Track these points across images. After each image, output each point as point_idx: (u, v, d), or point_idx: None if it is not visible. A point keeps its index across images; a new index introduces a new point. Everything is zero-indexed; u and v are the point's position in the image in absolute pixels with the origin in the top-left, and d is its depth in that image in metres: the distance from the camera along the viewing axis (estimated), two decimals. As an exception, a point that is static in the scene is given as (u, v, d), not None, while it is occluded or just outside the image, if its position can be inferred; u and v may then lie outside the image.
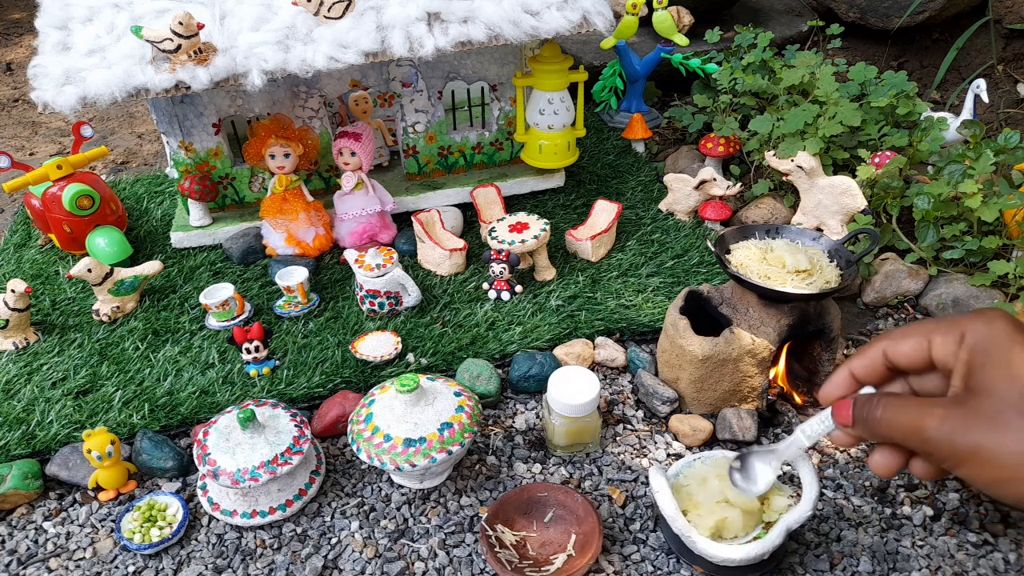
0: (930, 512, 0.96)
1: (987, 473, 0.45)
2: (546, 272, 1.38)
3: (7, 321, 1.24)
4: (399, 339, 1.22)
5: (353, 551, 0.94)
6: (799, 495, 0.92)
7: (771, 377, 1.09)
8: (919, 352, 0.52)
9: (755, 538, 0.85)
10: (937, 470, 0.52)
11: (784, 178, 1.46)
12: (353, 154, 1.40)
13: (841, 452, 1.05)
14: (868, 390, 0.60)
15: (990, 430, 0.44)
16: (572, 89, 1.50)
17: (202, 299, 1.29)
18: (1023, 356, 0.45)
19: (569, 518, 0.94)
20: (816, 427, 0.64)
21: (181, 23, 1.16)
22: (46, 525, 0.99)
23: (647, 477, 1.01)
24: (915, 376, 0.56)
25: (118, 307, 1.32)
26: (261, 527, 0.97)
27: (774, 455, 0.79)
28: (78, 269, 1.27)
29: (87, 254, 1.45)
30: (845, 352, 1.21)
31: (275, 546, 0.95)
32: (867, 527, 0.94)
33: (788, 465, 0.92)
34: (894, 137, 1.45)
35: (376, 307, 1.29)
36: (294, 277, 1.33)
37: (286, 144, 1.37)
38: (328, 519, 0.98)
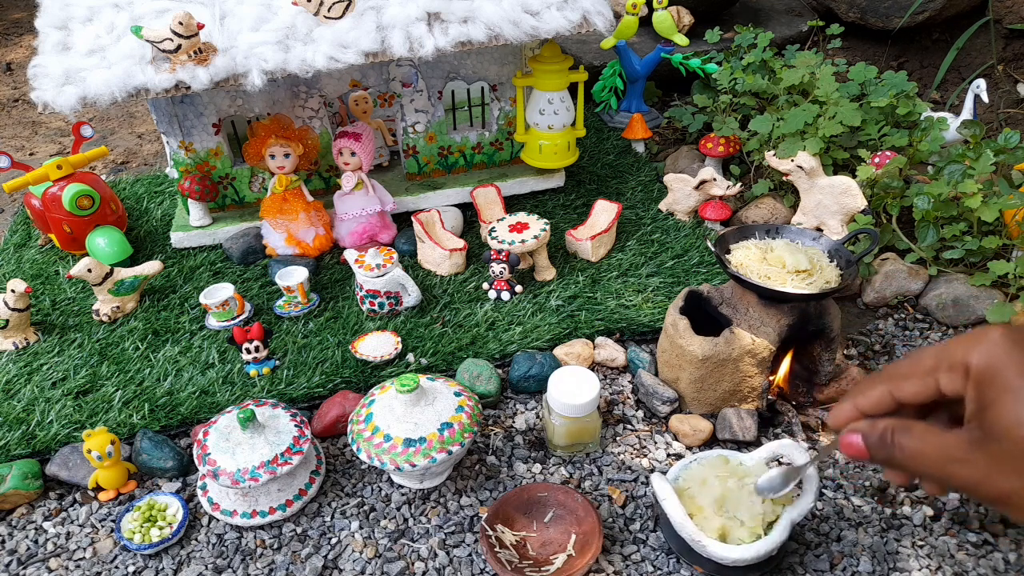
0: (930, 512, 0.96)
1: (1021, 514, 0.45)
2: (546, 272, 1.38)
3: (7, 321, 1.24)
4: (399, 339, 1.22)
5: (353, 551, 0.94)
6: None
7: (772, 380, 1.09)
8: (927, 391, 0.51)
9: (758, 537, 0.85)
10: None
11: (784, 178, 1.46)
12: (353, 154, 1.40)
13: (841, 452, 1.05)
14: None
15: (1017, 477, 0.44)
16: (572, 89, 1.50)
17: (202, 299, 1.29)
18: None
19: (569, 518, 0.94)
20: (825, 456, 0.64)
21: (181, 23, 1.16)
22: (46, 525, 0.99)
23: (647, 477, 1.02)
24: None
25: (118, 307, 1.32)
26: (261, 527, 0.97)
27: (795, 472, 0.83)
28: (78, 269, 1.27)
29: (87, 254, 1.44)
30: (845, 352, 1.21)
31: (275, 546, 0.95)
32: (867, 527, 0.94)
33: (786, 459, 0.93)
34: (894, 137, 1.45)
35: (376, 307, 1.29)
36: (294, 277, 1.33)
37: (286, 144, 1.37)
38: (328, 519, 0.98)
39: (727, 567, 0.85)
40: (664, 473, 0.92)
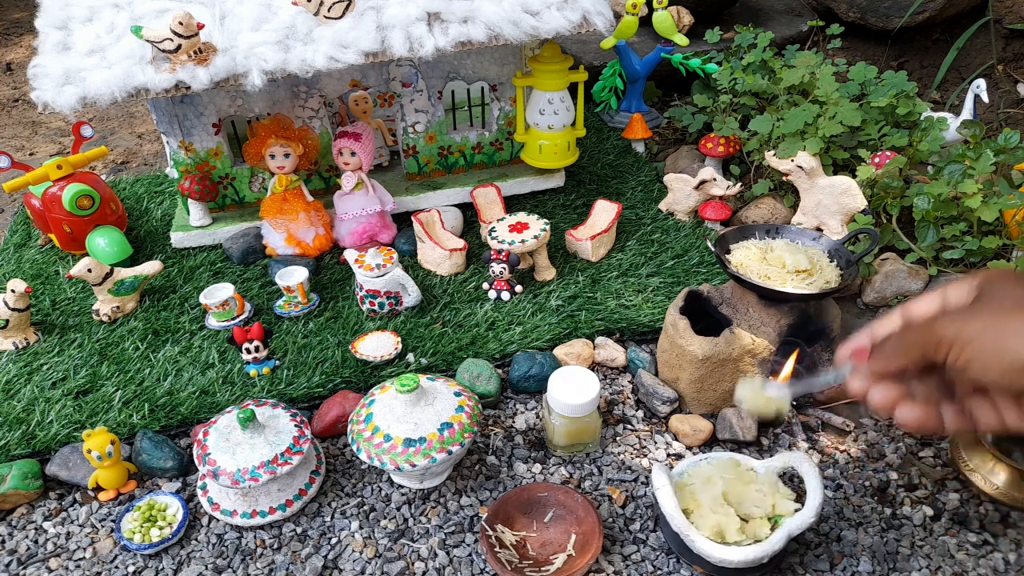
0: (930, 512, 0.96)
1: (966, 355, 0.50)
2: (546, 272, 1.38)
3: (7, 321, 1.24)
4: (399, 339, 1.22)
5: (353, 551, 0.94)
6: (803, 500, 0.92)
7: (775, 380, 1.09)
8: (935, 304, 0.56)
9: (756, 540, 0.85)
10: (932, 399, 0.56)
11: (784, 178, 1.46)
12: (353, 154, 1.40)
13: (841, 452, 1.05)
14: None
15: (974, 318, 0.52)
16: (572, 89, 1.50)
17: (202, 299, 1.29)
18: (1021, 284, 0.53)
19: (569, 518, 0.94)
20: (831, 380, 0.67)
21: (181, 23, 1.16)
22: (46, 525, 0.99)
23: (647, 477, 1.02)
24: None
25: (118, 307, 1.32)
26: (261, 527, 0.97)
27: (786, 386, 0.82)
28: (78, 269, 1.27)
29: (87, 254, 1.44)
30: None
31: (275, 546, 0.95)
32: (867, 527, 0.94)
33: (792, 469, 0.93)
34: (894, 137, 1.45)
35: (376, 307, 1.29)
36: (294, 277, 1.33)
37: (286, 144, 1.37)
38: (328, 519, 0.98)
39: (723, 568, 0.85)
40: (671, 468, 0.92)
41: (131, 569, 0.93)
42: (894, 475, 1.01)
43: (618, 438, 1.09)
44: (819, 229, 1.39)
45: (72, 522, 1.00)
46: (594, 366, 1.20)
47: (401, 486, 1.01)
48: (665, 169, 1.73)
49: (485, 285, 1.35)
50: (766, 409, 0.85)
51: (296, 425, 0.99)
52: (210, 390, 1.15)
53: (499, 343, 1.22)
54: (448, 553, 0.93)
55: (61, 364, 1.22)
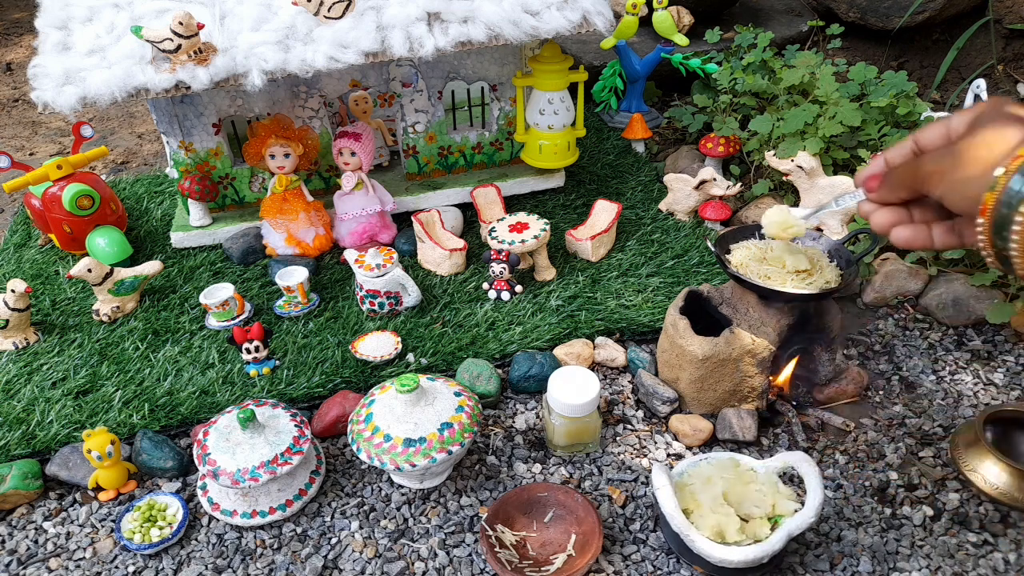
0: (930, 512, 0.96)
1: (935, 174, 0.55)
2: (546, 272, 1.38)
3: (7, 321, 1.24)
4: (399, 339, 1.22)
5: (353, 551, 0.94)
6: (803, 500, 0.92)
7: (774, 380, 1.09)
8: (941, 133, 0.59)
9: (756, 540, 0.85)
10: (926, 222, 0.60)
11: (784, 178, 1.46)
12: (353, 154, 1.40)
13: (841, 452, 1.05)
14: None
15: (951, 153, 0.55)
16: (572, 89, 1.50)
17: (202, 299, 1.29)
18: (1011, 115, 0.54)
19: (569, 518, 0.94)
20: (847, 200, 0.72)
21: (181, 23, 1.16)
22: (46, 525, 0.99)
23: (647, 477, 1.02)
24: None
25: (118, 307, 1.32)
26: (261, 527, 0.97)
27: (811, 209, 0.86)
28: (78, 269, 1.27)
29: (87, 254, 1.44)
30: (845, 352, 1.21)
31: (275, 546, 0.95)
32: (867, 527, 0.94)
33: (792, 469, 0.93)
34: (894, 137, 1.45)
35: (376, 307, 1.29)
36: (294, 277, 1.33)
37: (286, 144, 1.37)
38: (328, 519, 0.98)
39: (723, 568, 0.85)
40: (671, 468, 0.92)
41: (131, 569, 0.93)
42: (894, 475, 1.01)
43: (618, 438, 1.09)
44: (819, 229, 1.39)
45: (72, 522, 0.99)
46: (594, 366, 1.20)
47: (401, 486, 1.01)
48: (665, 169, 1.73)
49: (485, 285, 1.35)
50: (786, 233, 0.95)
51: (296, 425, 0.99)
52: (210, 390, 1.15)
53: (499, 343, 1.22)
54: (448, 553, 0.93)
55: (61, 364, 1.22)
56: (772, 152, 1.46)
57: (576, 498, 0.95)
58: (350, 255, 1.31)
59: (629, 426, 1.10)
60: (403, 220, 1.53)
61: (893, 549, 0.92)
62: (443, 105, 1.53)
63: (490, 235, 1.36)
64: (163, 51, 1.20)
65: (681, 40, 1.82)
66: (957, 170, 0.53)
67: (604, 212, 1.49)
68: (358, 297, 1.32)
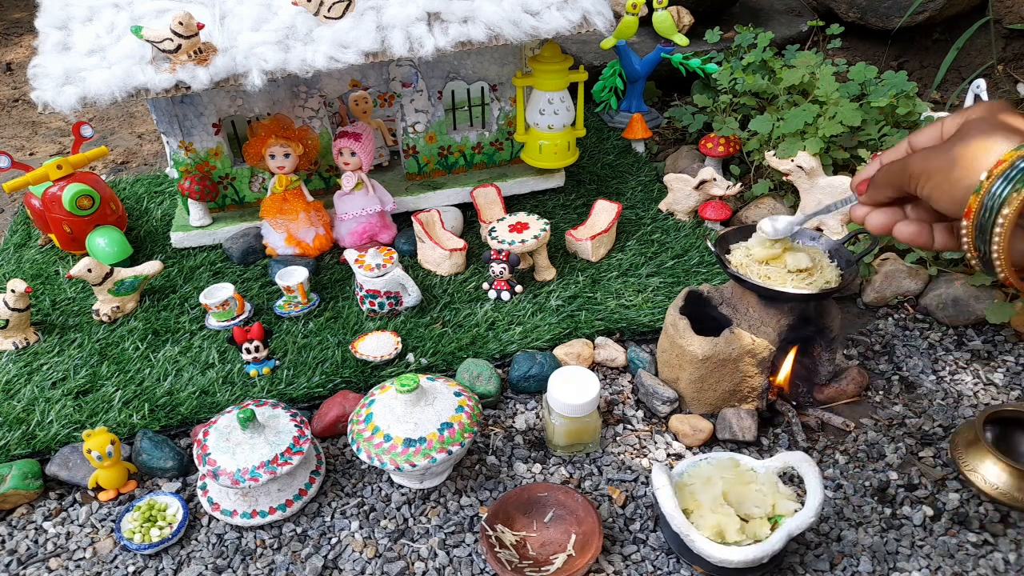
0: (930, 512, 0.96)
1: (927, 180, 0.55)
2: (546, 272, 1.38)
3: (7, 321, 1.24)
4: (399, 339, 1.22)
5: (353, 551, 0.94)
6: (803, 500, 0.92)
7: (772, 380, 1.09)
8: (935, 135, 0.60)
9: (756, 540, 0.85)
10: (921, 221, 0.60)
11: (784, 178, 1.46)
12: (353, 154, 1.40)
13: (841, 452, 1.05)
14: None
15: (939, 154, 0.55)
16: (572, 89, 1.50)
17: (202, 299, 1.29)
18: (1002, 123, 0.54)
19: (569, 518, 0.94)
20: (840, 203, 0.73)
21: (181, 23, 1.16)
22: (46, 525, 0.99)
23: (647, 477, 1.02)
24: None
25: (118, 307, 1.32)
26: (261, 527, 0.97)
27: (801, 214, 0.85)
28: (78, 269, 1.27)
29: (87, 254, 1.44)
30: (845, 352, 1.21)
31: (275, 546, 0.95)
32: (867, 527, 0.94)
33: (792, 469, 0.93)
34: (894, 137, 1.45)
35: (376, 307, 1.29)
36: (294, 277, 1.33)
37: (286, 144, 1.37)
38: (328, 519, 0.98)
39: (723, 568, 0.85)
40: (671, 468, 0.92)
41: (131, 569, 0.93)
42: (894, 475, 1.01)
43: (618, 438, 1.09)
44: (819, 229, 1.39)
45: (72, 522, 1.00)
46: (594, 366, 1.20)
47: (401, 486, 1.01)
48: (665, 169, 1.73)
49: (485, 285, 1.35)
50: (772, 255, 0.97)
51: (296, 425, 0.99)
52: (210, 390, 1.15)
53: (499, 343, 1.22)
54: (448, 553, 0.93)
55: (61, 364, 1.22)
56: (772, 152, 1.46)
57: (576, 498, 0.95)
58: (350, 255, 1.31)
59: (629, 426, 1.10)
60: (403, 220, 1.53)
61: (893, 549, 0.92)
62: (443, 105, 1.53)
63: (490, 235, 1.36)
64: (163, 51, 1.20)
65: (681, 40, 1.82)
66: (945, 172, 0.54)
67: (604, 212, 1.49)
68: (358, 297, 1.32)
